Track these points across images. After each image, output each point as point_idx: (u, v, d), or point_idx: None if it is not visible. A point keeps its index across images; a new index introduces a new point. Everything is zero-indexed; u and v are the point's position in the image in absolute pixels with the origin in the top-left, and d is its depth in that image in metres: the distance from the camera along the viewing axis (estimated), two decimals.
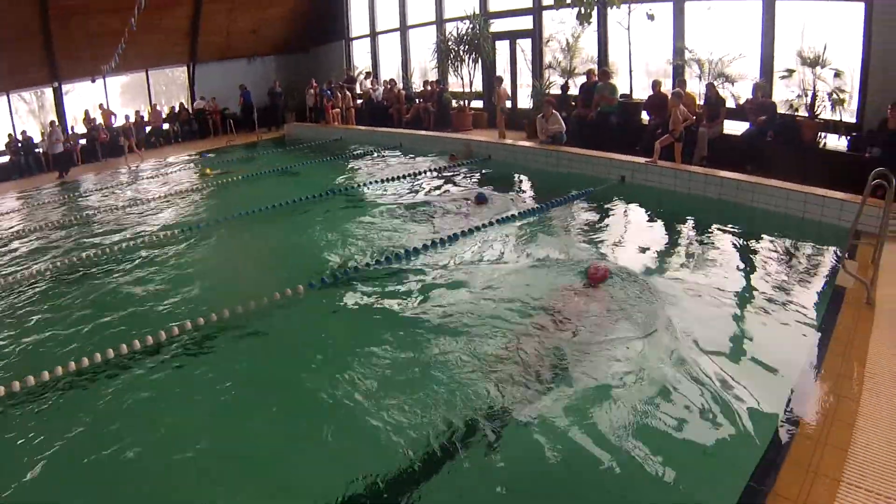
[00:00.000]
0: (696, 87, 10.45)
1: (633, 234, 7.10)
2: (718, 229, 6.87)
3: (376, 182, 10.26)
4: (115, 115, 18.01)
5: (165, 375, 4.45)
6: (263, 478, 3.38)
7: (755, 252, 6.13)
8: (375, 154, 13.19)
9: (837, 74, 8.92)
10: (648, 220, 7.63)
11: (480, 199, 8.37)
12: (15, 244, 8.68)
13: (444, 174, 10.54)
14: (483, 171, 10.57)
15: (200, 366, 4.61)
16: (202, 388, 4.28)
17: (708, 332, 4.42)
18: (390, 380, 4.11)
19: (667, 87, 10.66)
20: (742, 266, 5.80)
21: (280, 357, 4.79)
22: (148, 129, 18.66)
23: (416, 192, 9.52)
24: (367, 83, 17.72)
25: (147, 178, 13.30)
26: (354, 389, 4.01)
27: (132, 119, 17.96)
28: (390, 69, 18.22)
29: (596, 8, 11.50)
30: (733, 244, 6.41)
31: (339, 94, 16.78)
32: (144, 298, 5.98)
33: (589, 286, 5.16)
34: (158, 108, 19.39)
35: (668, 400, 3.65)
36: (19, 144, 15.83)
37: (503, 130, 12.54)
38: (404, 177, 10.49)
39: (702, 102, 10.08)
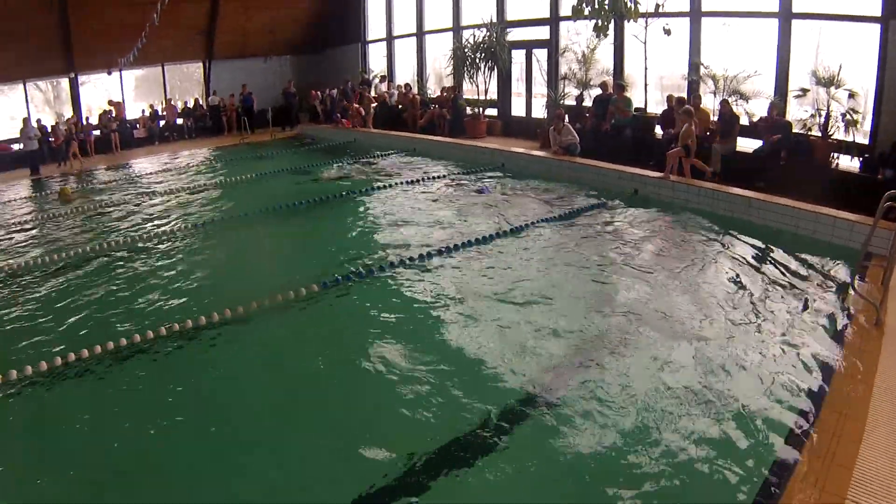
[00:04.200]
0: (710, 103, 10.54)
1: (644, 246, 7.08)
2: (728, 246, 6.90)
3: (392, 185, 10.43)
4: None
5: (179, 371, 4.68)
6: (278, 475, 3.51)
7: (764, 271, 6.12)
8: (391, 157, 13.34)
9: (852, 95, 8.95)
10: (660, 235, 7.61)
11: (481, 192, 9.38)
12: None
13: (457, 180, 10.71)
14: (496, 180, 10.68)
15: (205, 362, 4.84)
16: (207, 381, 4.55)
17: (715, 350, 4.48)
18: (403, 376, 4.37)
19: None
20: (751, 284, 5.78)
21: (304, 350, 4.97)
22: (162, 122, 18.92)
23: (430, 195, 9.72)
24: (383, 87, 17.85)
25: (151, 172, 13.53)
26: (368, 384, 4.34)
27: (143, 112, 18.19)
28: (405, 73, 18.37)
29: (613, 21, 11.63)
30: (742, 261, 6.41)
31: (363, 95, 16.98)
32: (154, 292, 6.22)
33: None
34: (173, 102, 19.57)
35: (674, 415, 3.73)
36: (48, 130, 15.74)
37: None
38: (420, 181, 10.67)
39: (716, 118, 10.15)
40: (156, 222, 9.03)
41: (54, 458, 3.68)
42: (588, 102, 12.39)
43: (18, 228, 9.25)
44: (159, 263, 7.14)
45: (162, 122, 18.97)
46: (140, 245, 7.91)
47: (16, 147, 15.63)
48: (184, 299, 5.96)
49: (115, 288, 6.41)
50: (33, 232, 9.06)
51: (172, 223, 8.89)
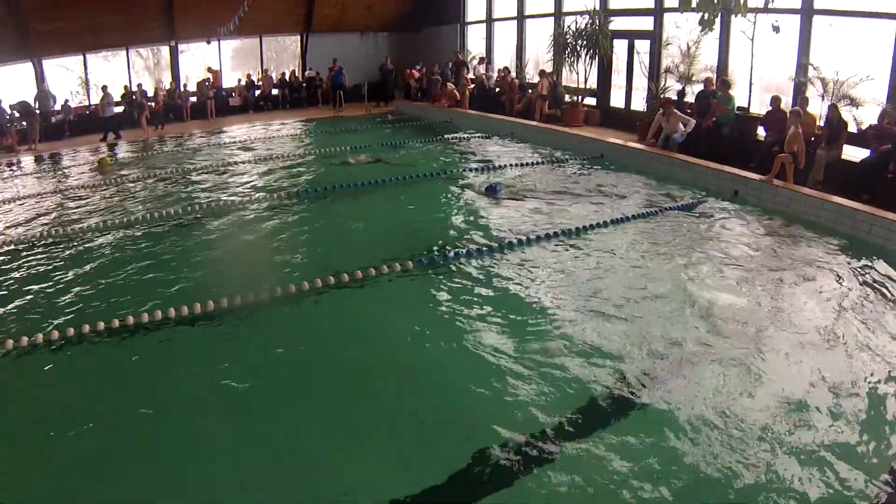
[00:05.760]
0: (817, 107, 10.41)
1: (743, 251, 7.17)
2: (833, 259, 6.86)
3: (486, 169, 11.01)
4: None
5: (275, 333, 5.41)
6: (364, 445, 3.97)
7: (871, 289, 6.09)
8: (487, 139, 13.87)
9: None
10: (759, 239, 7.65)
11: (490, 192, 9.36)
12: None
13: (557, 167, 11.18)
14: (596, 169, 11.07)
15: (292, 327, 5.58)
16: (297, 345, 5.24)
17: (814, 373, 4.57)
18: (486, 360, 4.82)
19: (786, 104, 10.69)
20: (855, 302, 5.76)
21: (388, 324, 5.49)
22: (257, 92, 19.99)
23: (529, 182, 10.15)
24: (481, 69, 18.30)
25: (240, 140, 14.66)
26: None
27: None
28: (503, 57, 18.74)
29: (720, 14, 11.59)
30: (849, 278, 6.36)
31: (460, 76, 17.55)
32: (241, 259, 7.21)
33: None
34: (269, 73, 20.55)
35: (776, 424, 3.95)
36: (133, 98, 17.09)
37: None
38: (518, 165, 11.25)
39: (822, 123, 10.04)
40: (229, 192, 9.96)
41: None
42: (690, 98, 12.49)
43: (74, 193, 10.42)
44: (232, 232, 8.08)
45: (257, 92, 20.00)
46: (213, 214, 8.82)
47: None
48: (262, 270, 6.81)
49: (202, 254, 7.28)
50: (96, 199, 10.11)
51: (245, 193, 9.80)
